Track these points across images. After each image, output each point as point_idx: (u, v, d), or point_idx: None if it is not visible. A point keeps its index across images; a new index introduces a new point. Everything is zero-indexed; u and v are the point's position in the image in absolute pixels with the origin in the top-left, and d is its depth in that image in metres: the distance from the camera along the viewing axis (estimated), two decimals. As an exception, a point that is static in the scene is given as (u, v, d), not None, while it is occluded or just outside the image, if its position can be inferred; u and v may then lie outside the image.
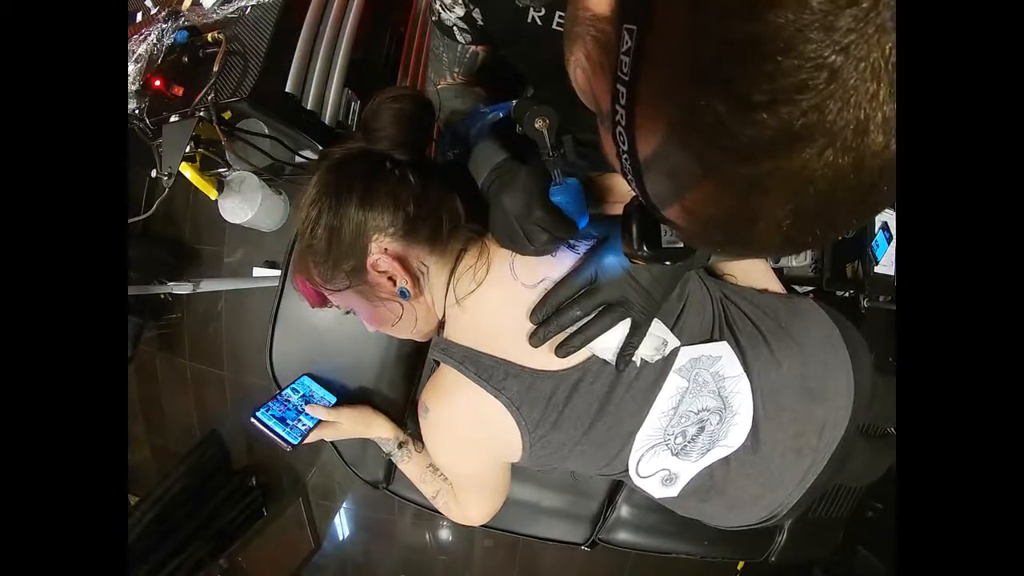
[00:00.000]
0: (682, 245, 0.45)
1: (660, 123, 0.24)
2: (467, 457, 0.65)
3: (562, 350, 0.56)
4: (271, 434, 0.74)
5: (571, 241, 0.59)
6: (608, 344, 0.58)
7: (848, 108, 0.19)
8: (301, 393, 0.82)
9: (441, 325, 0.66)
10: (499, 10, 0.64)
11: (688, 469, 0.66)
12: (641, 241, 0.45)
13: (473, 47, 0.73)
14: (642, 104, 0.24)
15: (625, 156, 0.27)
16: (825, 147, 0.20)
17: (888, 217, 1.11)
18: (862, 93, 0.18)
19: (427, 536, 1.91)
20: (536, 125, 0.47)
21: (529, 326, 0.57)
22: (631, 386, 0.60)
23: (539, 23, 0.63)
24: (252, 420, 0.75)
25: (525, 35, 0.64)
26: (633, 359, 0.58)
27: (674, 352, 0.61)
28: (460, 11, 0.66)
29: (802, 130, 0.19)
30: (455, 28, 0.69)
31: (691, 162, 0.23)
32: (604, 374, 0.59)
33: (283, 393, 0.80)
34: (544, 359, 0.58)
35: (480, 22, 0.67)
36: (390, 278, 0.60)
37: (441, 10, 0.66)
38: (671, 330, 0.61)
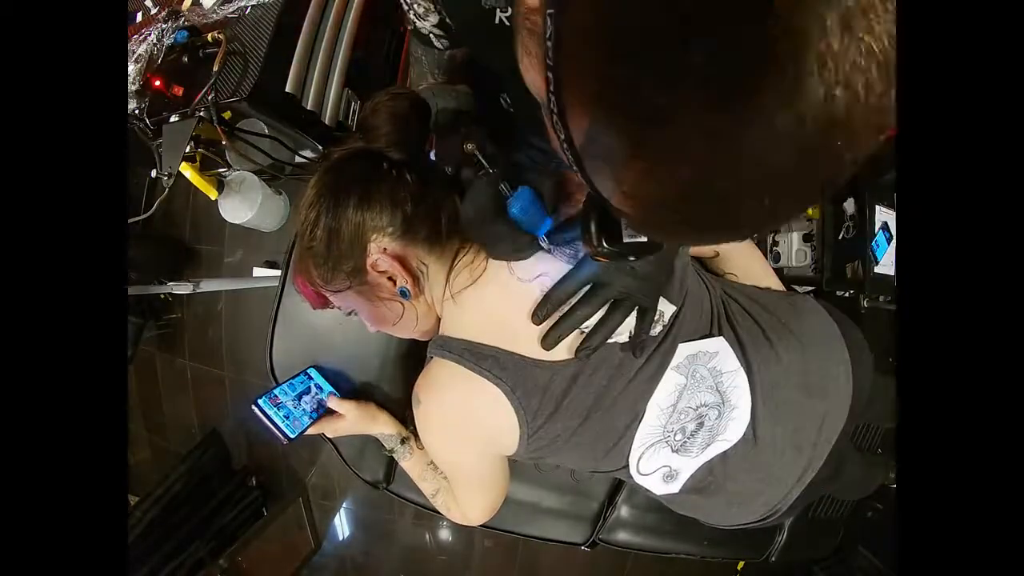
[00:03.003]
0: (645, 239, 0.43)
1: (584, 105, 0.24)
2: (460, 447, 0.64)
3: (582, 351, 0.56)
4: (270, 424, 0.73)
5: (565, 239, 0.59)
6: (620, 333, 0.57)
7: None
8: (306, 384, 0.81)
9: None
10: (466, 12, 0.63)
11: (688, 465, 0.66)
12: (600, 238, 0.43)
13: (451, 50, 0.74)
14: (566, 88, 0.25)
15: (565, 146, 0.27)
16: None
17: (888, 217, 1.11)
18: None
19: (427, 536, 1.91)
20: (467, 149, 0.47)
21: (527, 319, 0.57)
22: (629, 380, 0.60)
23: (506, 23, 0.62)
24: (252, 408, 0.73)
25: (494, 38, 0.63)
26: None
27: (673, 346, 0.61)
28: (434, 19, 0.66)
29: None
30: (431, 35, 0.69)
31: (618, 141, 0.24)
32: (603, 367, 0.59)
33: (289, 382, 0.79)
34: (542, 349, 0.57)
35: (454, 28, 0.67)
36: (390, 278, 0.60)
37: (415, 20, 0.66)
38: (670, 326, 0.61)
